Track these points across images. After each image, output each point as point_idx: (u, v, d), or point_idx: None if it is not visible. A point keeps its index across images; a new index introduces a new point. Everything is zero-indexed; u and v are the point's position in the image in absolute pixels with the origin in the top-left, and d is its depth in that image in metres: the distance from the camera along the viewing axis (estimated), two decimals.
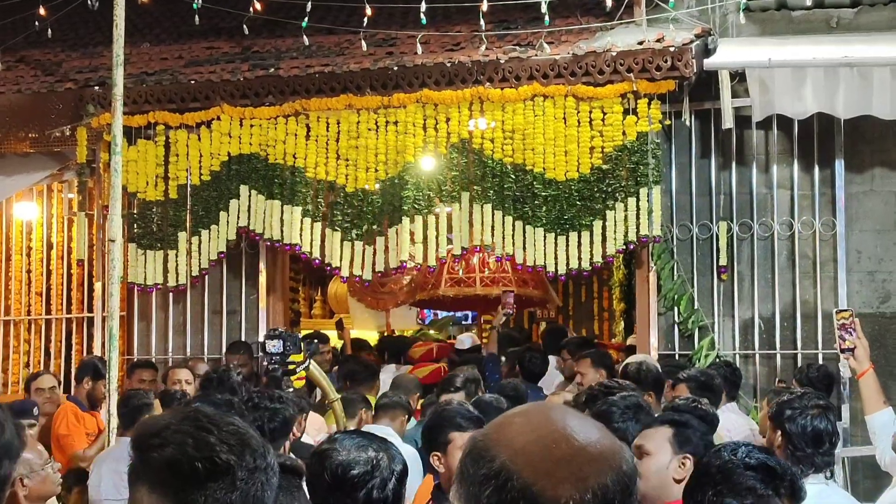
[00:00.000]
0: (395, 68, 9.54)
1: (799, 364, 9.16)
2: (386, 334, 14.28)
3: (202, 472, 1.92)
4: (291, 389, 6.51)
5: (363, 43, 9.80)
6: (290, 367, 6.75)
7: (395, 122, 9.56)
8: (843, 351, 5.80)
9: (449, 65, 9.43)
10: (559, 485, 1.49)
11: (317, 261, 9.74)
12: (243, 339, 10.08)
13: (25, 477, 5.50)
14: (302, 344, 7.01)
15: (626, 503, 1.54)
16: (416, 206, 9.47)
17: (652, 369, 7.54)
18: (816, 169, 9.30)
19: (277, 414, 5.37)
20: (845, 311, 6.01)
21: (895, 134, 9.22)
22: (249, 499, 1.96)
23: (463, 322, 16.82)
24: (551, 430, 1.55)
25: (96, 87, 10.19)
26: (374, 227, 9.62)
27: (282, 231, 9.74)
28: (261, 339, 10.00)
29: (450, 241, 9.72)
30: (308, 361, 6.94)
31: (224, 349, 9.86)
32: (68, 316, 11.17)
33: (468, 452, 1.58)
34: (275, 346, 6.74)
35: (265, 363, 6.99)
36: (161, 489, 1.95)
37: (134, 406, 6.73)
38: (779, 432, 4.53)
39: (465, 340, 11.69)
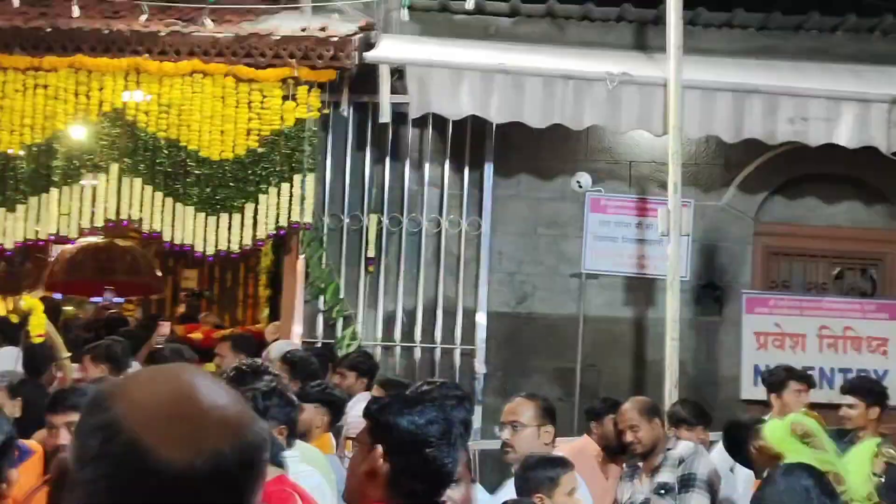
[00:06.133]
0: (49, 30, 9.12)
1: (437, 358, 9.41)
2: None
3: None
4: None
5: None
6: None
7: (45, 86, 9.14)
8: None
9: (106, 32, 9.11)
10: (170, 445, 1.38)
11: None
12: None
13: None
14: None
15: (248, 476, 1.43)
16: (66, 175, 9.10)
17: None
18: (467, 170, 9.59)
19: None
20: None
21: (541, 143, 9.60)
22: None
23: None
24: (176, 387, 1.44)
25: None
26: (18, 195, 9.15)
27: None
28: None
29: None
30: None
31: None
32: None
33: (87, 402, 1.46)
34: None
35: None
36: None
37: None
38: None
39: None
